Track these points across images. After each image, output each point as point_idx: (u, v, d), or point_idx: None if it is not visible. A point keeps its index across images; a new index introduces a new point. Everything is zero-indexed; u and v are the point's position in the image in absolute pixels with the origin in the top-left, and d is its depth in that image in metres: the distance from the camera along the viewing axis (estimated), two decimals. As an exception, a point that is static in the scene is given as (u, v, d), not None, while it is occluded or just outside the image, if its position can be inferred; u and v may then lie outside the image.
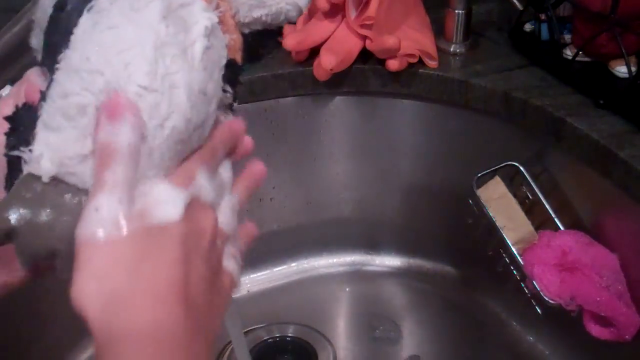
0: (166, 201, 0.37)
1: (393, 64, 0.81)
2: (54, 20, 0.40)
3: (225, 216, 0.42)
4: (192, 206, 0.39)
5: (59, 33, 0.39)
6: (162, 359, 0.35)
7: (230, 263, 0.42)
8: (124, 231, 0.36)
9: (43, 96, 0.38)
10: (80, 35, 0.37)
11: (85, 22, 0.37)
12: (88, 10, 0.38)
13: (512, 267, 0.79)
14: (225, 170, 0.43)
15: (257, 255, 0.97)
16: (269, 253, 0.97)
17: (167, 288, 0.36)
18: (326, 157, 0.92)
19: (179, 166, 0.40)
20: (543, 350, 0.86)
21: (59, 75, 0.37)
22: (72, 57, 0.37)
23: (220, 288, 0.40)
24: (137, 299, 0.35)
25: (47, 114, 0.37)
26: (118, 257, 0.35)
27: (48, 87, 0.38)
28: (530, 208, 0.79)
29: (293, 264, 0.99)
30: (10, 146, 0.38)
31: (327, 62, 0.79)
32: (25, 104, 0.40)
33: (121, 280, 0.35)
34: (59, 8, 0.40)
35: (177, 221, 0.37)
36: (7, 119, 0.39)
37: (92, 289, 0.35)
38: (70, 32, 0.38)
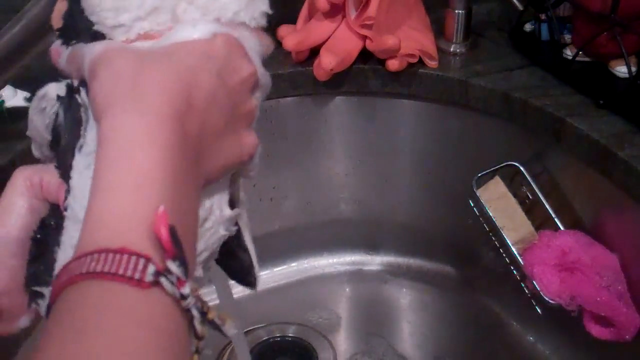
0: (185, 24, 0.37)
1: (393, 64, 0.81)
2: (54, 150, 0.40)
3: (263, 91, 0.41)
4: (230, 44, 0.38)
5: (62, 167, 0.39)
6: (145, 167, 0.32)
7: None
8: (131, 34, 0.36)
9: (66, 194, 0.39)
10: (77, 180, 0.37)
11: (79, 163, 0.38)
12: (79, 150, 0.38)
13: (512, 267, 0.79)
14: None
15: (257, 255, 0.97)
16: (269, 253, 0.97)
17: (176, 81, 0.34)
18: (326, 157, 0.92)
19: None
20: (543, 350, 0.86)
21: (67, 223, 0.38)
22: (74, 207, 0.37)
23: (237, 141, 0.39)
24: (139, 95, 0.33)
25: (61, 263, 0.38)
26: (127, 55, 0.35)
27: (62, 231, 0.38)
28: (530, 208, 0.79)
29: (293, 264, 0.99)
30: (32, 275, 0.39)
31: (327, 62, 0.79)
32: (47, 223, 0.40)
33: (127, 68, 0.34)
34: (55, 138, 0.40)
35: (199, 39, 0.36)
36: (34, 239, 0.40)
37: (104, 75, 0.34)
38: (70, 167, 0.38)
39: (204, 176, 0.36)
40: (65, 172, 0.39)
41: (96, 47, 0.36)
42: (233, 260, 0.44)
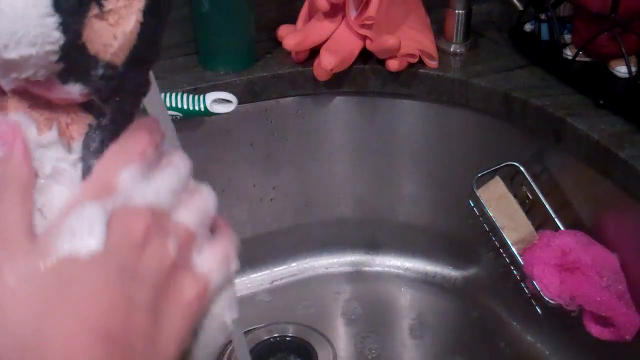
0: (80, 230, 0.30)
1: (393, 64, 0.81)
2: None
3: (189, 212, 0.34)
4: (116, 217, 0.31)
5: None
6: None
7: (203, 262, 0.34)
8: (28, 272, 0.29)
9: None
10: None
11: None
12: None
13: (512, 267, 0.79)
14: (177, 160, 0.35)
15: (257, 255, 0.97)
16: (269, 253, 0.97)
17: (81, 327, 0.29)
18: (326, 157, 0.92)
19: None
20: (543, 350, 0.86)
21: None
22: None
23: (177, 301, 0.32)
24: (48, 350, 0.29)
25: None
26: (27, 302, 0.29)
27: None
28: (530, 208, 0.79)
29: (293, 264, 0.99)
30: None
31: (327, 62, 0.79)
32: None
33: (30, 328, 0.29)
34: None
35: (96, 251, 0.30)
36: None
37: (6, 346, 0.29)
38: None
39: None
40: None
41: None
42: None
